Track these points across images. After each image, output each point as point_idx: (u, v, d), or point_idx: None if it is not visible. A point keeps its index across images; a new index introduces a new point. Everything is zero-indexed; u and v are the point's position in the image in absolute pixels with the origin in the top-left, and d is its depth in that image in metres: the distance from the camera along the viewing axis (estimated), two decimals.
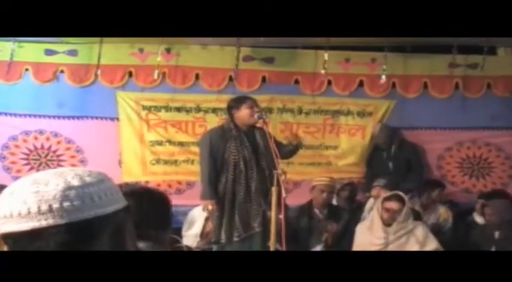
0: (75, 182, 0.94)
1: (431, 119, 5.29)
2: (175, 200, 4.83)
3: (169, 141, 5.12)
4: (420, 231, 3.77)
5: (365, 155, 5.25)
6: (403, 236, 3.75)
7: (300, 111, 5.22)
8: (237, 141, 3.72)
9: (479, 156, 5.37)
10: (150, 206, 1.65)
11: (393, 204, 3.78)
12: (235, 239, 3.68)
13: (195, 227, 4.51)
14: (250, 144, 3.74)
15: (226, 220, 3.70)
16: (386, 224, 3.77)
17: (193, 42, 5.05)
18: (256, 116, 3.67)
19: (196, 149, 5.05)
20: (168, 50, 5.10)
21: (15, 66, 4.91)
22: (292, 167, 4.72)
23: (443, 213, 4.63)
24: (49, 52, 4.99)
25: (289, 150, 3.92)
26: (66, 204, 0.91)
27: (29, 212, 0.90)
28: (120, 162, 5.06)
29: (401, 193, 3.88)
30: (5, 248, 0.93)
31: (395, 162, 5.01)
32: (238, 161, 3.68)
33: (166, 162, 5.12)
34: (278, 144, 3.59)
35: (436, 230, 4.24)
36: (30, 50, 4.94)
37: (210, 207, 3.71)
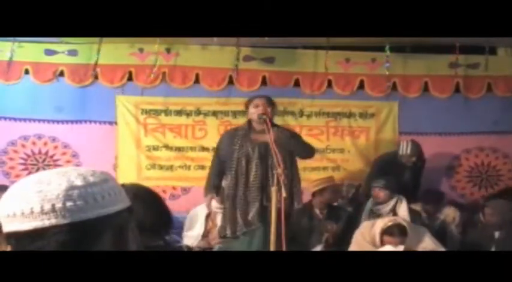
0: (78, 182, 0.94)
1: (434, 121, 5.25)
2: (169, 206, 4.88)
3: (166, 147, 5.10)
4: (427, 240, 3.57)
5: (372, 159, 5.14)
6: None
7: (302, 114, 5.19)
8: (243, 138, 3.75)
9: (487, 164, 5.33)
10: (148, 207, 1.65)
11: (396, 239, 3.41)
12: (238, 233, 3.71)
13: (196, 227, 4.50)
14: (260, 142, 3.73)
15: (229, 215, 3.75)
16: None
17: (193, 42, 5.05)
18: (256, 115, 3.67)
19: (192, 154, 5.09)
20: (168, 50, 5.09)
21: (15, 66, 4.90)
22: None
23: (450, 213, 4.61)
24: (49, 52, 4.98)
25: (306, 150, 3.85)
26: (69, 204, 0.91)
27: (32, 212, 0.90)
28: (115, 167, 5.04)
29: (403, 223, 3.49)
30: (8, 248, 0.93)
31: (412, 179, 4.78)
32: (241, 157, 3.71)
33: (161, 167, 5.10)
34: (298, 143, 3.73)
35: (443, 230, 4.21)
36: (30, 50, 4.93)
37: (209, 201, 3.93)
